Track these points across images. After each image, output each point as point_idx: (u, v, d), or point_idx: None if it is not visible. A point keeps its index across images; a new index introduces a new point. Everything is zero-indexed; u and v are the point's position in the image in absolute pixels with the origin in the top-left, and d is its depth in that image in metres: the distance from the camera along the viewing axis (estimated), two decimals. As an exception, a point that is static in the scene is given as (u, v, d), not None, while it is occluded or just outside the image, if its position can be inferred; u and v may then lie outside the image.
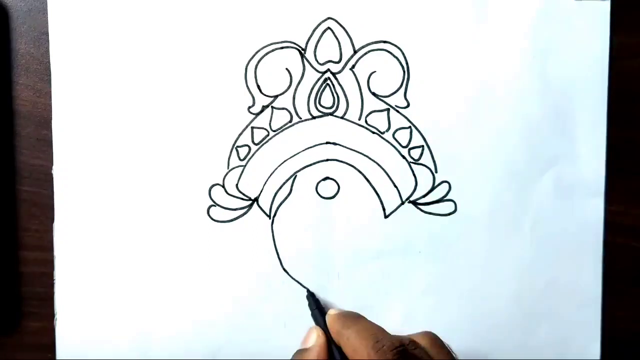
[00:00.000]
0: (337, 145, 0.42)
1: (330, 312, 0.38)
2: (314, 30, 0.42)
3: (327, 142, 0.42)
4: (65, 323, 0.42)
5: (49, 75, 0.41)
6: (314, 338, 0.37)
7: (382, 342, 0.33)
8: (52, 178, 0.41)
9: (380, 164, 0.43)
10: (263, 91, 0.42)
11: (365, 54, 0.42)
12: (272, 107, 0.42)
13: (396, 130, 0.42)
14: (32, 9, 0.41)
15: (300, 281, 0.42)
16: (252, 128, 0.42)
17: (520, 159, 0.43)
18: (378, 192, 0.43)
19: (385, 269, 0.43)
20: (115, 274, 0.42)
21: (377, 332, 0.34)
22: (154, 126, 0.41)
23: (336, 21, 0.42)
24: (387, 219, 0.43)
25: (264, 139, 0.42)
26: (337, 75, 0.42)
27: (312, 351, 0.36)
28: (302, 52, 0.42)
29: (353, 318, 0.36)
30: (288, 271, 0.42)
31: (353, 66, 0.42)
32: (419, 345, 0.34)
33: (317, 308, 0.39)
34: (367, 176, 0.42)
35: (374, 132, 0.42)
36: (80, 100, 0.41)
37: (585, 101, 0.43)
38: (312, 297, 0.41)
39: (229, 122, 0.42)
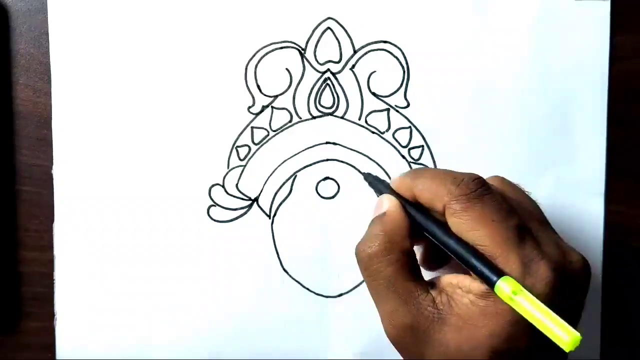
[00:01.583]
0: (337, 145, 0.42)
1: (393, 177, 0.36)
2: (314, 30, 0.42)
3: (327, 142, 0.42)
4: (65, 323, 0.42)
5: (49, 75, 0.41)
6: (387, 203, 0.34)
7: (460, 177, 0.32)
8: (52, 178, 0.41)
9: (380, 164, 0.43)
10: (263, 91, 0.42)
11: (365, 54, 0.42)
12: (272, 107, 0.42)
13: (396, 130, 0.42)
14: (32, 9, 0.41)
15: (300, 281, 0.42)
16: (252, 128, 0.42)
17: (520, 159, 0.43)
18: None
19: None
20: (115, 273, 0.42)
21: (450, 172, 0.33)
22: (154, 126, 0.41)
23: (336, 21, 0.42)
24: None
25: (264, 139, 0.42)
26: (337, 75, 0.42)
27: (390, 213, 0.33)
28: (302, 52, 0.42)
29: (419, 169, 0.35)
30: (288, 271, 0.42)
31: (353, 66, 0.42)
32: (492, 185, 0.33)
33: (379, 182, 0.37)
34: (367, 176, 0.42)
35: (374, 132, 0.42)
36: (80, 100, 0.41)
37: (585, 101, 0.43)
38: (370, 175, 0.38)
39: (229, 122, 0.42)
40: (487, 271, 0.29)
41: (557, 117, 0.43)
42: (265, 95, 0.42)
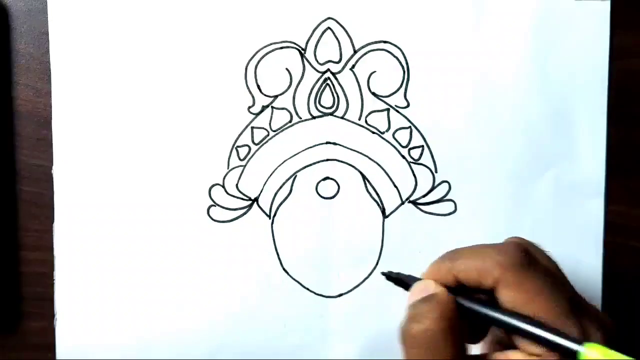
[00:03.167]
0: (337, 145, 0.42)
1: (426, 269, 0.33)
2: (314, 30, 0.42)
3: (327, 142, 0.42)
4: (65, 323, 0.42)
5: (49, 75, 0.41)
6: (431, 287, 0.31)
7: (504, 248, 0.30)
8: (52, 178, 0.41)
9: (380, 164, 0.43)
10: (263, 91, 0.42)
11: (365, 54, 0.42)
12: (272, 107, 0.42)
13: (396, 130, 0.42)
14: (32, 9, 0.41)
15: (300, 281, 0.42)
16: (252, 128, 0.42)
17: (520, 158, 0.43)
18: (378, 192, 0.43)
19: (385, 269, 0.43)
20: (115, 273, 0.42)
21: (488, 245, 0.31)
22: (153, 126, 0.41)
23: (336, 21, 0.42)
24: (387, 219, 0.43)
25: (264, 139, 0.42)
26: (337, 75, 0.42)
27: (441, 296, 0.30)
28: (302, 52, 0.42)
29: (449, 252, 0.32)
30: (288, 271, 0.42)
31: (353, 66, 0.42)
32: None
33: (406, 276, 0.34)
34: (367, 176, 0.42)
35: (374, 132, 0.42)
36: (80, 100, 0.41)
37: (585, 101, 0.43)
38: (394, 273, 0.35)
39: (229, 122, 0.42)
40: (566, 341, 0.28)
41: (557, 116, 0.43)
42: (265, 95, 0.42)
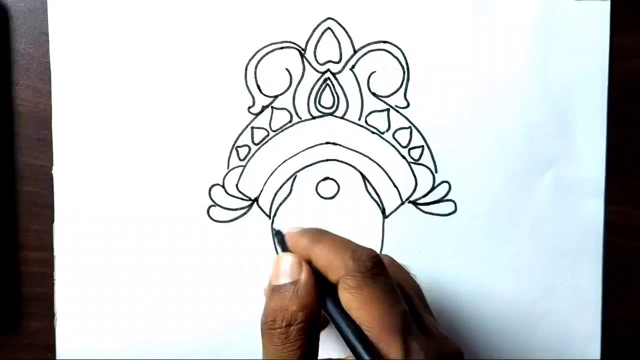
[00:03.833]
0: (337, 145, 0.42)
1: (290, 231, 0.34)
2: (314, 30, 0.42)
3: (327, 142, 0.42)
4: (65, 323, 0.42)
5: (49, 75, 0.41)
6: (296, 269, 0.32)
7: (359, 252, 0.31)
8: (52, 178, 0.41)
9: (380, 164, 0.43)
10: (263, 91, 0.42)
11: (365, 54, 0.42)
12: (272, 107, 0.42)
13: (396, 130, 0.42)
14: (32, 9, 0.41)
15: (300, 281, 0.42)
16: (252, 128, 0.42)
17: (520, 158, 0.43)
18: (378, 192, 0.43)
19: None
20: (115, 273, 0.42)
21: (350, 242, 0.32)
22: (153, 126, 0.41)
23: (336, 21, 0.42)
24: (387, 219, 0.43)
25: (264, 139, 0.42)
26: (337, 75, 0.42)
27: (306, 284, 0.31)
28: (302, 52, 0.42)
29: (320, 232, 0.33)
30: (288, 271, 0.42)
31: (353, 66, 0.42)
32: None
33: (280, 234, 0.35)
34: (367, 176, 0.42)
35: (374, 132, 0.42)
36: (80, 100, 0.41)
37: (585, 101, 0.43)
38: (280, 233, 0.35)
39: (229, 122, 0.42)
40: (366, 356, 0.29)
41: (557, 117, 0.43)
42: (265, 95, 0.42)
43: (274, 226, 0.37)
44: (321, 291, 0.32)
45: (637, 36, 0.43)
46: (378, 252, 0.42)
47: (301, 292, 0.31)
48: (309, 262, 0.32)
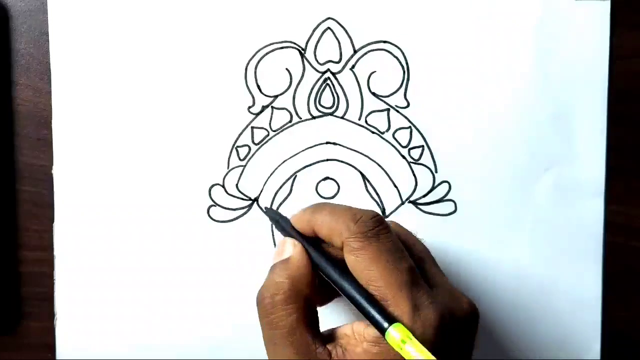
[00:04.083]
0: (337, 145, 0.42)
1: (294, 213, 0.35)
2: (314, 30, 0.42)
3: (327, 142, 0.42)
4: (65, 323, 0.42)
5: (49, 75, 0.41)
6: (290, 247, 0.33)
7: (359, 214, 0.32)
8: (52, 178, 0.41)
9: (380, 164, 0.43)
10: (263, 91, 0.42)
11: (365, 54, 0.42)
12: (272, 107, 0.42)
13: (396, 130, 0.42)
14: (32, 9, 0.41)
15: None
16: (252, 128, 0.42)
17: (520, 159, 0.43)
18: (378, 192, 0.43)
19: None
20: (115, 273, 0.42)
21: (350, 208, 0.33)
22: (154, 126, 0.41)
23: (336, 21, 0.42)
24: (387, 219, 0.43)
25: (264, 139, 0.42)
26: (337, 75, 0.42)
27: (294, 259, 0.33)
28: (302, 52, 0.42)
29: (320, 204, 0.34)
30: (288, 271, 0.42)
31: (353, 66, 0.42)
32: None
33: (281, 218, 0.36)
34: (367, 176, 0.42)
35: (374, 132, 0.42)
36: (80, 100, 0.41)
37: (585, 101, 0.43)
38: (272, 210, 0.37)
39: (229, 122, 0.42)
40: (379, 317, 0.29)
41: (557, 117, 0.43)
42: (265, 95, 0.42)
43: (270, 214, 0.37)
44: (323, 263, 0.32)
45: (637, 36, 0.43)
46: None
47: (290, 264, 0.32)
48: (314, 237, 0.33)
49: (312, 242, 0.33)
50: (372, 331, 0.30)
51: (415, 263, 0.32)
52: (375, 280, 0.30)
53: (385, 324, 0.29)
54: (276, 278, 0.32)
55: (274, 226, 0.36)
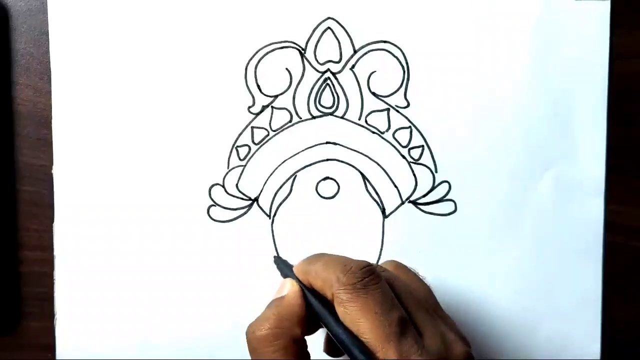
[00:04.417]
0: (337, 145, 0.42)
1: (297, 263, 0.36)
2: (314, 30, 0.42)
3: (327, 142, 0.42)
4: (65, 323, 0.42)
5: (49, 75, 0.41)
6: (288, 286, 0.34)
7: (349, 265, 0.32)
8: (52, 178, 0.41)
9: (380, 164, 0.43)
10: (263, 91, 0.42)
11: (365, 53, 0.42)
12: (272, 107, 0.42)
13: (396, 130, 0.42)
14: (32, 9, 0.41)
15: (300, 281, 0.42)
16: (252, 128, 0.42)
17: (520, 158, 0.43)
18: (378, 192, 0.43)
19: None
20: (115, 273, 0.42)
21: (342, 259, 0.33)
22: (154, 126, 0.41)
23: (336, 21, 0.42)
24: (387, 218, 0.43)
25: (264, 138, 0.42)
26: (337, 75, 0.42)
27: (288, 297, 0.33)
28: (302, 52, 0.42)
29: (318, 255, 0.35)
30: (288, 271, 0.42)
31: (353, 66, 0.42)
32: (386, 269, 0.34)
33: (286, 266, 0.37)
34: (367, 176, 0.42)
35: (374, 132, 0.42)
36: (80, 100, 0.41)
37: (585, 101, 0.43)
38: (279, 258, 0.38)
39: (229, 122, 0.42)
40: None
41: (557, 117, 0.43)
42: (265, 95, 0.42)
43: (277, 255, 0.38)
44: (320, 309, 0.32)
45: (637, 36, 0.43)
46: (378, 252, 0.43)
47: (283, 302, 0.33)
48: (310, 287, 0.34)
49: (312, 292, 0.34)
50: None
51: (409, 310, 0.32)
52: (364, 332, 0.30)
53: None
54: (266, 314, 0.33)
55: (280, 274, 0.37)
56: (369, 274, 0.32)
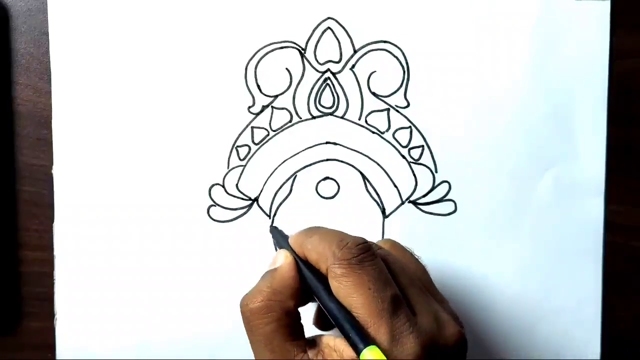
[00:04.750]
0: (337, 145, 0.42)
1: (293, 233, 0.36)
2: (314, 30, 0.42)
3: (327, 142, 0.42)
4: (65, 323, 0.42)
5: (49, 75, 0.41)
6: (282, 258, 0.34)
7: (345, 240, 0.32)
8: (52, 178, 0.41)
9: (380, 164, 0.43)
10: (263, 91, 0.42)
11: (365, 53, 0.42)
12: (272, 107, 0.42)
13: (396, 130, 0.42)
14: (32, 9, 0.41)
15: (300, 281, 0.42)
16: (252, 128, 0.42)
17: (520, 158, 0.43)
18: (378, 192, 0.43)
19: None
20: (115, 273, 0.42)
21: (339, 233, 0.33)
22: (154, 126, 0.41)
23: (336, 21, 0.42)
24: (387, 219, 0.43)
25: (264, 138, 0.42)
26: (337, 75, 0.42)
27: (281, 269, 0.33)
28: (302, 52, 0.42)
29: (314, 228, 0.35)
30: (288, 271, 0.42)
31: (353, 66, 0.42)
32: (382, 247, 0.34)
33: (282, 236, 0.37)
34: (367, 176, 0.42)
35: (374, 132, 0.42)
36: (80, 100, 0.41)
37: (585, 101, 0.43)
38: (275, 228, 0.38)
39: (229, 122, 0.42)
40: (357, 338, 0.30)
41: (557, 117, 0.43)
42: (265, 95, 0.42)
43: (273, 232, 0.38)
44: (313, 282, 0.32)
45: (637, 36, 0.43)
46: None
47: (276, 274, 0.33)
48: (304, 259, 0.33)
49: (306, 264, 0.33)
50: (350, 351, 0.30)
51: (403, 289, 0.32)
52: (356, 307, 0.31)
53: (361, 345, 0.29)
54: (259, 286, 0.33)
55: (275, 244, 0.36)
56: (364, 251, 0.32)
